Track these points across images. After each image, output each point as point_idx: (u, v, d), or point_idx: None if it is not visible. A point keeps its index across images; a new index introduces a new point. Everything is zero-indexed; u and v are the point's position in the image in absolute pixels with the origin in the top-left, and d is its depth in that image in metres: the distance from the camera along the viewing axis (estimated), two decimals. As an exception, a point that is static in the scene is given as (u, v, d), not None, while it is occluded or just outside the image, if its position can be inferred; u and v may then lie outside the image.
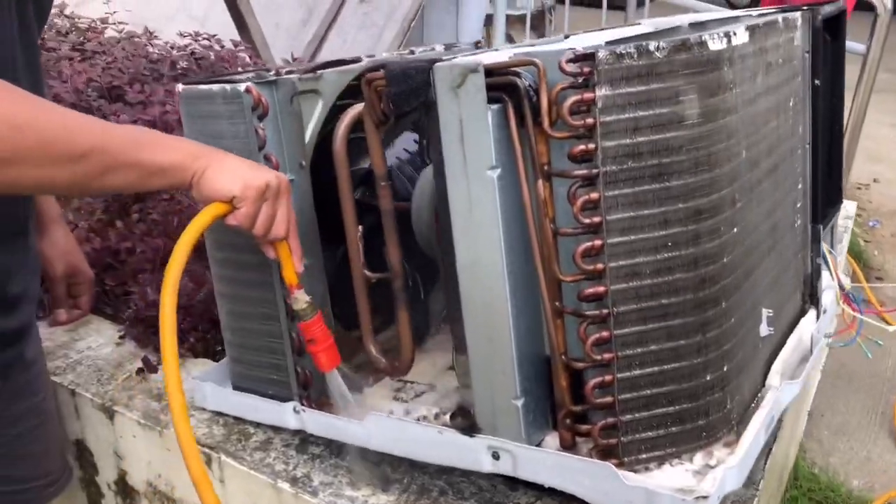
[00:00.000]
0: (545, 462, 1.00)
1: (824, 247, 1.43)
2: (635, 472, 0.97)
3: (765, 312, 1.11)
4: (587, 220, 0.90)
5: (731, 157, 0.95)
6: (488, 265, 0.96)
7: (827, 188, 1.42)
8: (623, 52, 0.86)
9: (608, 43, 0.90)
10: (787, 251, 1.22)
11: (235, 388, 1.32)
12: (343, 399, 1.16)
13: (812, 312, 1.32)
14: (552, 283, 0.95)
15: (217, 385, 1.33)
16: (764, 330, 1.11)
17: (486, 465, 1.04)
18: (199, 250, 1.71)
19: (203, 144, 1.04)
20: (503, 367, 0.99)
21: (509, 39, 4.16)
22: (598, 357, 0.94)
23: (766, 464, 1.26)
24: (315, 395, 1.24)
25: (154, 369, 1.44)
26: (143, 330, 1.50)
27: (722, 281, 0.96)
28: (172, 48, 2.62)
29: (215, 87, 1.14)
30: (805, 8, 1.23)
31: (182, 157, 0.98)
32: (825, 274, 1.40)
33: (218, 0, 3.78)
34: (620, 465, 0.96)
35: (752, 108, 1.02)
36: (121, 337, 1.53)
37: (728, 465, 0.95)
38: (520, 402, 1.00)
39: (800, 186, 1.27)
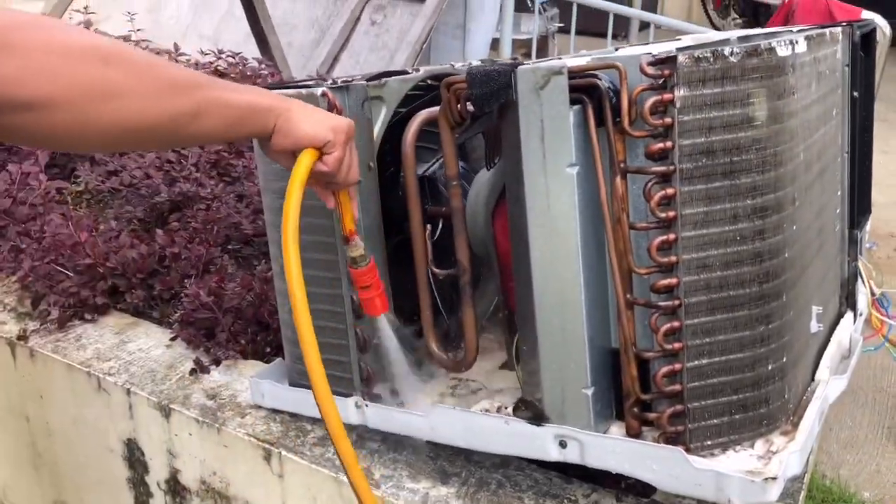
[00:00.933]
0: (614, 449, 1.04)
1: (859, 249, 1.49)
2: (702, 457, 1.01)
3: (815, 309, 1.16)
4: (663, 215, 0.95)
5: (792, 158, 1.01)
6: (564, 258, 1.01)
7: (860, 196, 1.49)
8: (701, 55, 0.92)
9: (680, 49, 0.95)
10: (830, 253, 1.28)
11: (292, 385, 1.35)
12: (394, 346, 1.20)
13: (850, 315, 1.37)
14: (625, 275, 1.00)
15: (275, 383, 1.36)
16: (814, 326, 1.16)
17: (553, 454, 1.08)
18: (242, 257, 1.75)
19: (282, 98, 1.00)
20: (575, 357, 1.03)
21: (513, 63, 4.24)
22: (669, 346, 0.99)
23: (808, 458, 1.31)
24: (375, 391, 1.27)
25: (206, 370, 1.47)
26: (194, 332, 1.53)
27: (784, 275, 1.02)
28: (196, 65, 2.67)
29: (291, 91, 1.18)
30: (846, 24, 1.30)
31: (267, 99, 0.96)
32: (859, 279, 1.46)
33: (228, 19, 3.84)
34: (687, 451, 1.01)
35: (807, 113, 1.08)
36: (171, 339, 1.56)
37: (791, 449, 1.00)
38: (590, 392, 1.04)
39: (839, 193, 1.33)
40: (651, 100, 0.93)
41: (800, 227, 1.06)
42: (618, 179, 0.97)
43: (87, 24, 2.79)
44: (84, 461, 1.59)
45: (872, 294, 1.50)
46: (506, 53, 4.08)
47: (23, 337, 1.58)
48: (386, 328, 1.20)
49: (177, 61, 2.62)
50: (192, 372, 1.47)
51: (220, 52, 2.73)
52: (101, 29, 3.01)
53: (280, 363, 1.40)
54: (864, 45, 1.43)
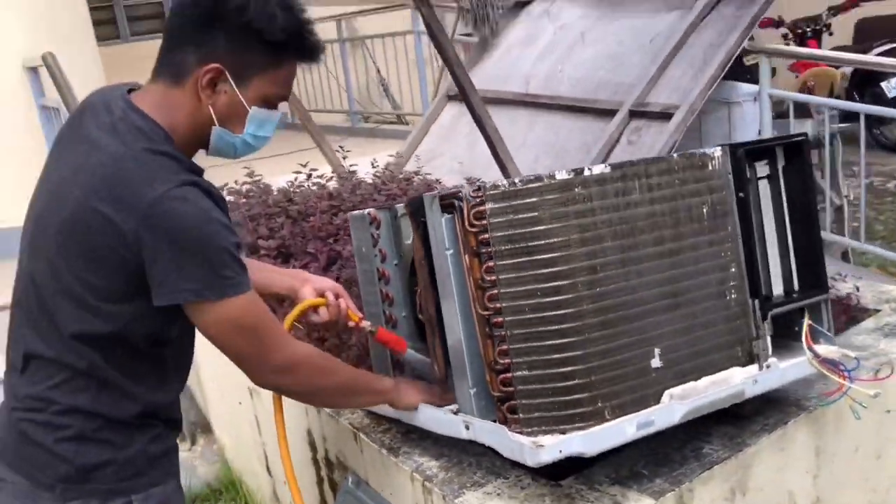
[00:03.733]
0: (483, 428, 1.63)
1: (807, 318, 1.81)
2: (530, 436, 1.55)
3: (656, 351, 1.62)
4: (489, 278, 1.57)
5: (585, 242, 1.55)
6: (449, 306, 1.66)
7: (803, 274, 1.83)
8: (499, 184, 1.55)
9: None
10: (709, 314, 1.69)
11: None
12: (422, 364, 1.89)
13: (753, 366, 1.73)
14: (480, 317, 1.61)
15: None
16: (656, 362, 1.61)
17: (464, 433, 1.70)
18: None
19: (395, 383, 1.88)
20: (463, 369, 1.66)
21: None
22: (503, 362, 1.57)
23: (702, 474, 1.70)
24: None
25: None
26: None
27: (581, 320, 1.54)
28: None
29: (357, 212, 2.01)
30: (727, 145, 1.74)
31: (384, 399, 1.86)
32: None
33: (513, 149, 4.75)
34: (521, 433, 1.56)
35: (623, 212, 1.59)
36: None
37: (573, 436, 1.51)
38: (473, 392, 1.66)
39: (733, 269, 1.73)
40: (474, 210, 1.57)
41: (614, 290, 1.57)
42: (467, 257, 1.61)
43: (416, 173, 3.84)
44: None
45: (817, 356, 1.80)
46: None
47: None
48: (412, 357, 1.93)
49: (435, 187, 3.58)
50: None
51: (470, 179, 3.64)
52: (429, 166, 4.05)
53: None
54: (795, 152, 1.83)
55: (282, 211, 3.62)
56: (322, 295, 1.88)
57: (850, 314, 2.30)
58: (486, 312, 1.59)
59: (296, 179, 3.84)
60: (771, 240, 1.82)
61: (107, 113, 1.52)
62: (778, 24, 8.61)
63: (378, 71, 8.97)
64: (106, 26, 8.88)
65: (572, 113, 4.74)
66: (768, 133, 4.41)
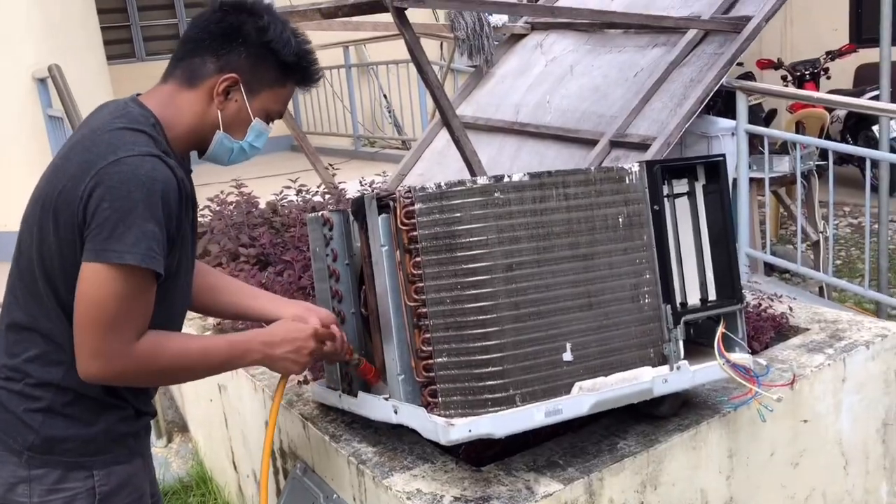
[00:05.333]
0: (408, 411, 1.77)
1: (721, 326, 1.95)
2: (447, 418, 1.69)
3: (568, 345, 1.75)
4: (416, 271, 1.72)
5: (503, 242, 1.69)
6: (383, 298, 1.81)
7: (720, 285, 1.97)
8: (427, 187, 1.70)
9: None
10: (622, 315, 1.83)
11: (327, 387, 2.26)
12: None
13: (664, 367, 1.86)
14: (409, 307, 1.76)
15: (320, 386, 2.28)
16: (567, 356, 1.75)
17: (393, 418, 1.84)
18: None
19: (265, 342, 1.75)
20: (392, 357, 1.80)
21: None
22: (426, 349, 1.72)
23: (612, 465, 1.83)
24: (354, 390, 2.12)
25: (307, 382, 2.44)
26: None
27: (497, 312, 1.68)
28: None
29: (312, 214, 2.17)
30: (643, 162, 1.89)
31: (248, 363, 1.78)
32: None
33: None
34: (440, 415, 1.70)
35: (540, 217, 1.73)
36: (299, 365, 2.58)
37: (483, 417, 1.64)
38: (401, 378, 1.80)
39: (647, 276, 1.87)
40: (405, 209, 1.72)
41: (529, 286, 1.71)
42: (398, 253, 1.76)
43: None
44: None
45: (727, 361, 1.93)
46: (743, 192, 4.53)
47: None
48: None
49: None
50: (299, 383, 2.45)
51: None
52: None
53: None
54: (714, 171, 1.98)
55: (265, 221, 3.79)
56: (326, 326, 1.90)
57: (779, 331, 2.43)
58: (413, 304, 1.74)
59: (281, 192, 4.02)
60: (688, 252, 1.96)
61: (112, 107, 1.68)
62: (777, 66, 8.81)
63: (385, 96, 9.20)
64: (122, 45, 9.16)
65: (557, 141, 4.90)
66: (744, 167, 4.56)
